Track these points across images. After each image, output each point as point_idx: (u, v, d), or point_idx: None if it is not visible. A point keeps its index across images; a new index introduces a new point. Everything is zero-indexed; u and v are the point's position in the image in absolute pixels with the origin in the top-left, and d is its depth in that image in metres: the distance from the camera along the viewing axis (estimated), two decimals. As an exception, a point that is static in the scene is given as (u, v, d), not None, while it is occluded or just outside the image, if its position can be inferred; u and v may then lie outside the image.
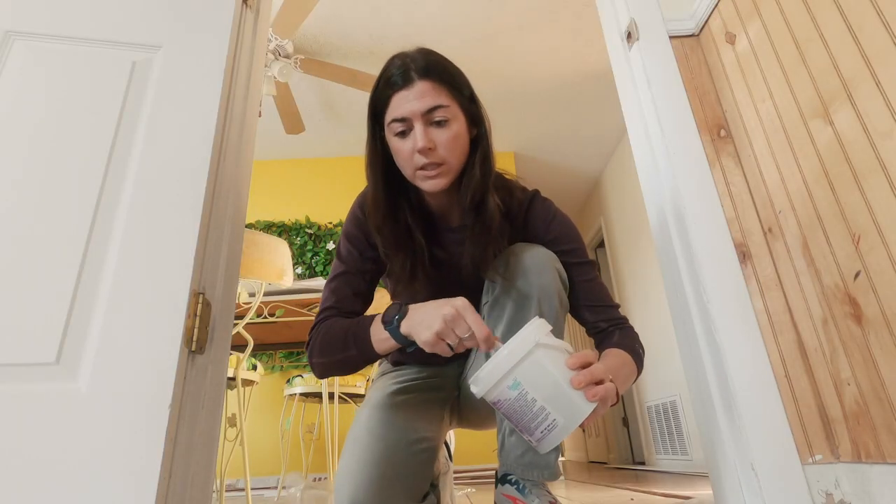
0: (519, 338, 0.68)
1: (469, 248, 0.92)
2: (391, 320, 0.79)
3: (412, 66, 0.82)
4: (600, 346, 0.99)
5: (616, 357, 0.90)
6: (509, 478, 0.93)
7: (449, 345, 0.73)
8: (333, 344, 0.86)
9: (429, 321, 0.73)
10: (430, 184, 0.85)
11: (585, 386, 0.67)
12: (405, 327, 0.78)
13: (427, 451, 0.93)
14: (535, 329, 0.70)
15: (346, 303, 0.94)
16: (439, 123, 0.83)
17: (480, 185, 0.89)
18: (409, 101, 0.81)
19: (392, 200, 0.91)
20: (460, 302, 0.73)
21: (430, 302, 0.77)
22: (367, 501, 0.83)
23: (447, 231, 0.98)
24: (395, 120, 0.83)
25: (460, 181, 0.90)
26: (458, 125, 0.85)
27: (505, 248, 0.93)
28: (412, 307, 0.79)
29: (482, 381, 0.69)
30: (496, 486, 0.99)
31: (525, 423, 0.69)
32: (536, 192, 1.04)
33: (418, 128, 0.82)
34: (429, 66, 0.83)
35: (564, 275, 0.94)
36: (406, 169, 0.87)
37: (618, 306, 1.01)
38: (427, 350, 0.74)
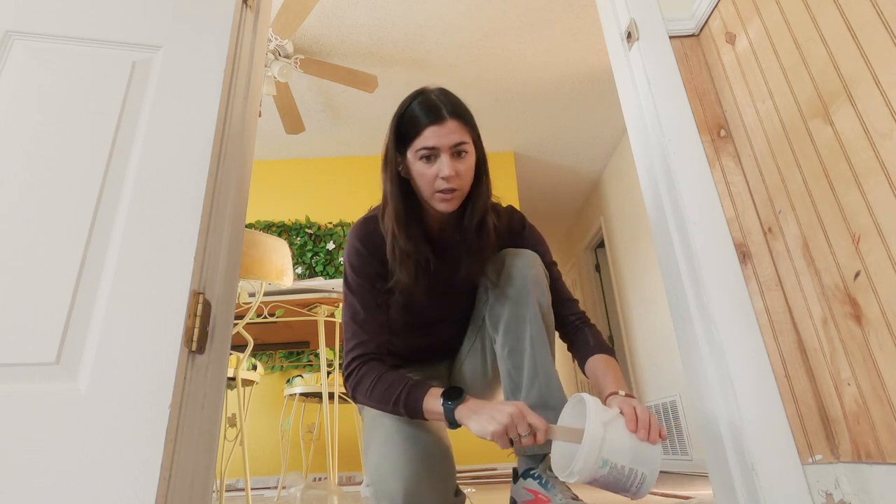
0: (590, 426, 0.80)
1: (467, 261, 1.05)
2: (451, 402, 0.88)
3: (443, 107, 0.96)
4: (574, 343, 1.09)
5: (608, 366, 1.00)
6: (532, 472, 0.96)
7: (510, 439, 0.83)
8: (382, 397, 0.95)
9: (496, 415, 0.83)
10: (445, 205, 0.98)
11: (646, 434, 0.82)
12: (460, 414, 0.86)
13: (450, 453, 1.03)
14: (595, 410, 0.82)
15: (376, 335, 1.03)
16: (460, 155, 0.97)
17: (483, 208, 1.03)
18: (440, 135, 0.94)
19: (408, 213, 1.02)
20: (522, 405, 0.84)
21: (492, 402, 0.88)
22: (421, 489, 0.92)
23: (444, 248, 1.08)
24: (424, 148, 0.95)
25: (464, 204, 1.02)
26: (472, 158, 0.99)
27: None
28: (473, 400, 0.88)
29: (578, 473, 0.80)
30: (514, 482, 1.00)
31: (622, 485, 0.81)
32: (511, 208, 1.18)
33: (444, 158, 0.95)
34: (455, 107, 0.97)
35: (547, 272, 1.08)
36: (426, 190, 0.98)
37: (578, 301, 1.14)
38: (486, 439, 0.84)
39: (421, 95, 0.99)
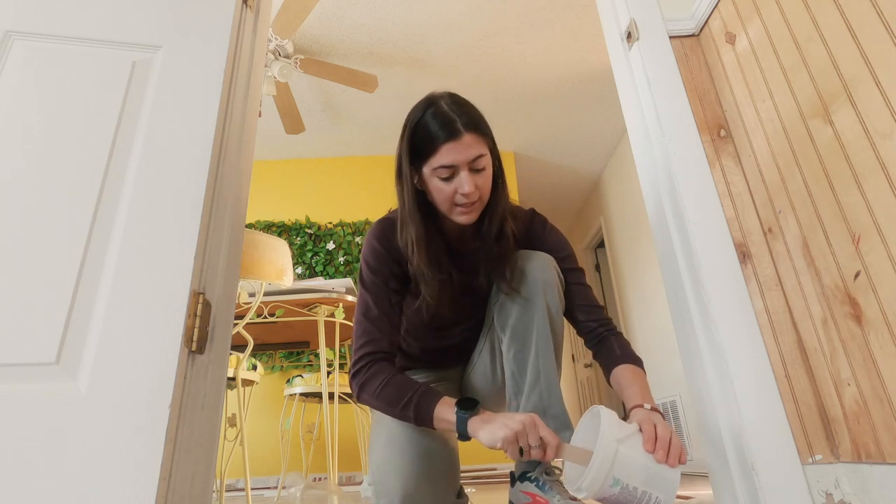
0: (602, 442, 0.76)
1: (487, 267, 1.04)
2: (465, 411, 0.86)
3: (458, 120, 0.92)
4: (599, 353, 1.05)
5: (635, 377, 0.96)
6: (528, 475, 0.96)
7: (520, 449, 0.80)
8: (392, 399, 0.93)
9: (508, 422, 0.81)
10: (465, 218, 0.97)
11: (664, 456, 0.77)
12: (473, 425, 0.84)
13: (455, 455, 1.03)
14: (609, 425, 0.78)
15: (388, 333, 1.01)
16: (479, 170, 0.94)
17: (501, 214, 1.02)
18: (458, 151, 0.91)
19: (428, 229, 1.00)
20: (535, 416, 0.81)
21: (506, 413, 0.86)
22: (419, 492, 0.92)
23: (462, 256, 1.07)
24: (442, 166, 0.92)
25: (483, 212, 1.01)
26: (490, 168, 0.97)
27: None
28: (486, 412, 0.86)
29: (586, 490, 0.77)
30: (512, 485, 1.01)
31: None
32: (533, 211, 1.15)
33: (464, 175, 0.92)
34: (470, 119, 0.93)
35: (561, 276, 1.04)
36: (444, 205, 0.97)
37: (604, 308, 1.10)
38: (497, 447, 0.81)
39: (433, 106, 0.95)
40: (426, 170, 0.95)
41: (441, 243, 1.02)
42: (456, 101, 0.97)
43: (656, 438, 0.78)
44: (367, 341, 0.99)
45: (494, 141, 0.99)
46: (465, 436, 0.85)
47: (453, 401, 0.88)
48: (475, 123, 0.93)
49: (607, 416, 0.79)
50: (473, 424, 0.83)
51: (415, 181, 0.98)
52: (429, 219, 1.01)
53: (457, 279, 1.04)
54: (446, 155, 0.91)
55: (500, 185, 1.01)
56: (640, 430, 0.80)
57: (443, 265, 1.01)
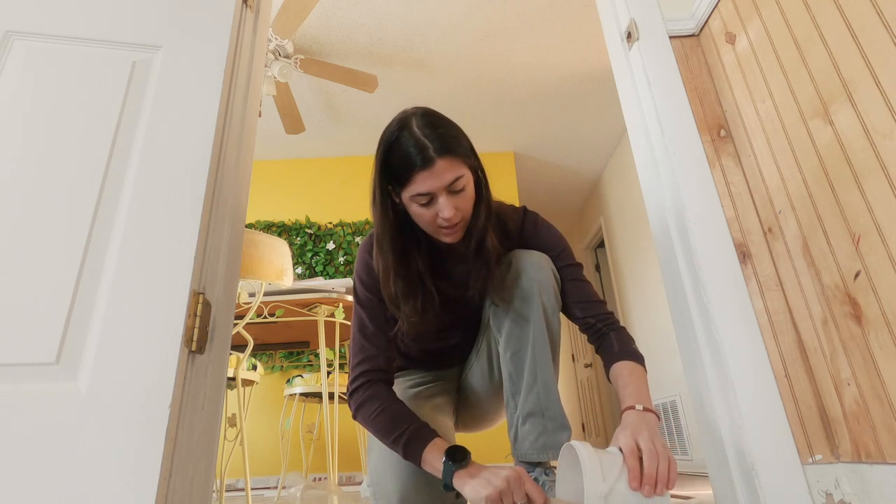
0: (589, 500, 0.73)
1: (472, 283, 1.02)
2: (453, 463, 0.84)
3: (430, 146, 0.88)
4: (600, 348, 1.04)
5: (631, 375, 0.95)
6: (529, 475, 0.96)
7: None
8: (385, 429, 0.93)
9: (492, 479, 0.79)
10: (450, 238, 0.95)
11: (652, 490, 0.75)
12: (459, 480, 0.82)
13: None
14: (592, 480, 0.74)
15: (385, 349, 1.01)
16: (458, 191, 0.91)
17: (482, 230, 0.99)
18: (433, 178, 0.88)
19: (403, 255, 0.98)
20: (521, 470, 0.80)
21: (491, 467, 0.83)
22: (418, 493, 0.92)
23: (457, 264, 1.05)
24: (418, 194, 0.90)
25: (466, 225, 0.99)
26: (470, 185, 0.94)
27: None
28: (474, 464, 0.84)
29: None
30: None
31: None
32: (525, 209, 1.12)
33: (443, 200, 0.90)
34: (442, 142, 0.89)
35: (557, 275, 1.03)
36: (427, 228, 0.95)
37: (604, 302, 1.07)
38: None
39: (405, 129, 0.91)
40: (405, 195, 0.92)
41: (425, 264, 1.00)
42: (429, 121, 0.91)
43: (642, 474, 0.76)
44: (363, 359, 0.99)
45: (475, 154, 0.96)
46: (450, 486, 0.83)
47: (444, 446, 0.86)
48: (448, 146, 0.89)
49: (588, 465, 0.75)
50: (459, 478, 0.82)
51: (396, 200, 0.96)
52: (413, 237, 0.99)
53: (448, 293, 1.03)
54: (422, 184, 0.88)
55: (484, 197, 0.98)
56: (625, 461, 0.77)
57: (426, 284, 0.99)
